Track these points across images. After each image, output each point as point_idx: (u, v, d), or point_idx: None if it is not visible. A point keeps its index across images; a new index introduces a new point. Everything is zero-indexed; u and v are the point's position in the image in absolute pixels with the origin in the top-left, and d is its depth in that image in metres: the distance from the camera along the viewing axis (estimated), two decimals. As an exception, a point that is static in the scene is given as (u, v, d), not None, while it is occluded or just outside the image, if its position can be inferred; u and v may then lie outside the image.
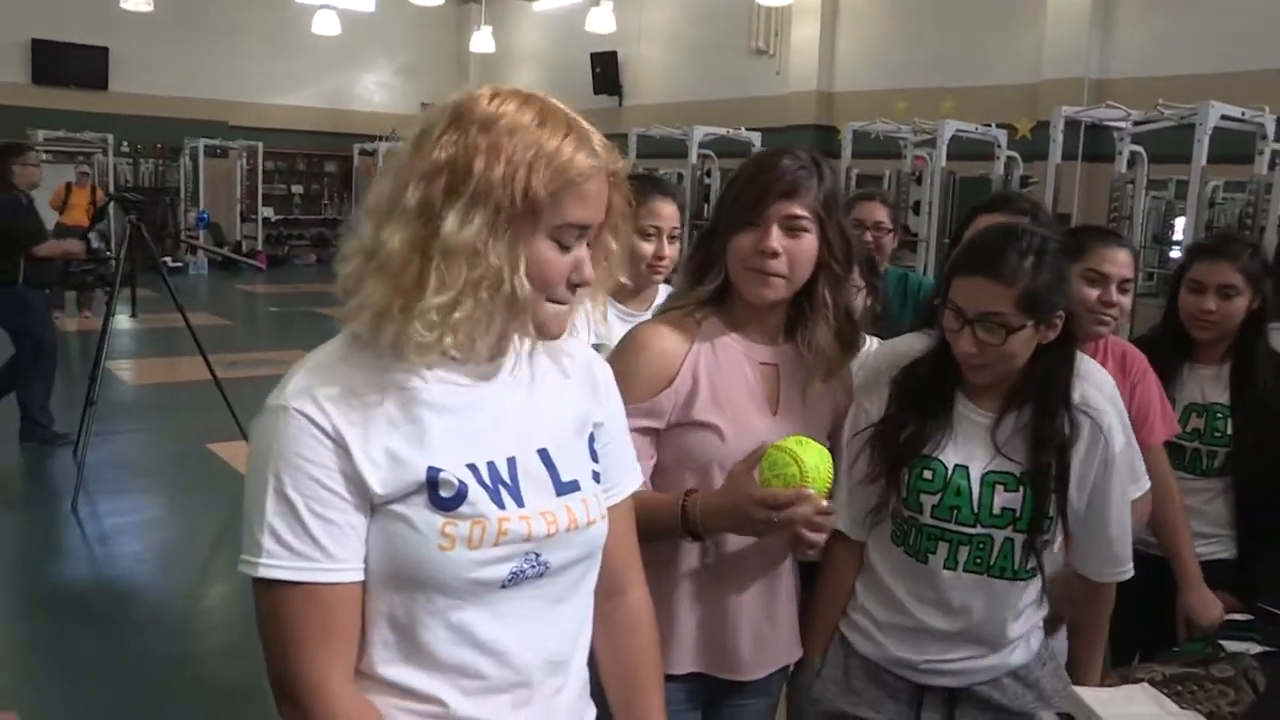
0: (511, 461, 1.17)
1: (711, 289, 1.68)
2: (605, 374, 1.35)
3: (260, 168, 17.17)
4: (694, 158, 11.21)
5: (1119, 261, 2.21)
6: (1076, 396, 1.68)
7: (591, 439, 1.29)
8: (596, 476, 1.27)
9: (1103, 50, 10.70)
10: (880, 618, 1.76)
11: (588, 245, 1.16)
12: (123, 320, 9.79)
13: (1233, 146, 7.20)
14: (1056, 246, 1.64)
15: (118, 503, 5.34)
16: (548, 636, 1.20)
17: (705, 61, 15.03)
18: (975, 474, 1.67)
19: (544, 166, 1.08)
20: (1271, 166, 7.02)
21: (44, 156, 15.32)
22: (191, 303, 12.09)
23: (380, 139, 15.80)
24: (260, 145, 17.07)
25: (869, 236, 3.18)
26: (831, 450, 1.59)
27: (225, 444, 5.97)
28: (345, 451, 1.07)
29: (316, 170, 18.59)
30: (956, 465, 1.68)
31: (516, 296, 1.10)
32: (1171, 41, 9.89)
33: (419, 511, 1.09)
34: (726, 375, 1.65)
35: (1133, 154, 7.91)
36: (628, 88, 16.49)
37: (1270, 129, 6.99)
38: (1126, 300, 2.23)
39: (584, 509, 1.22)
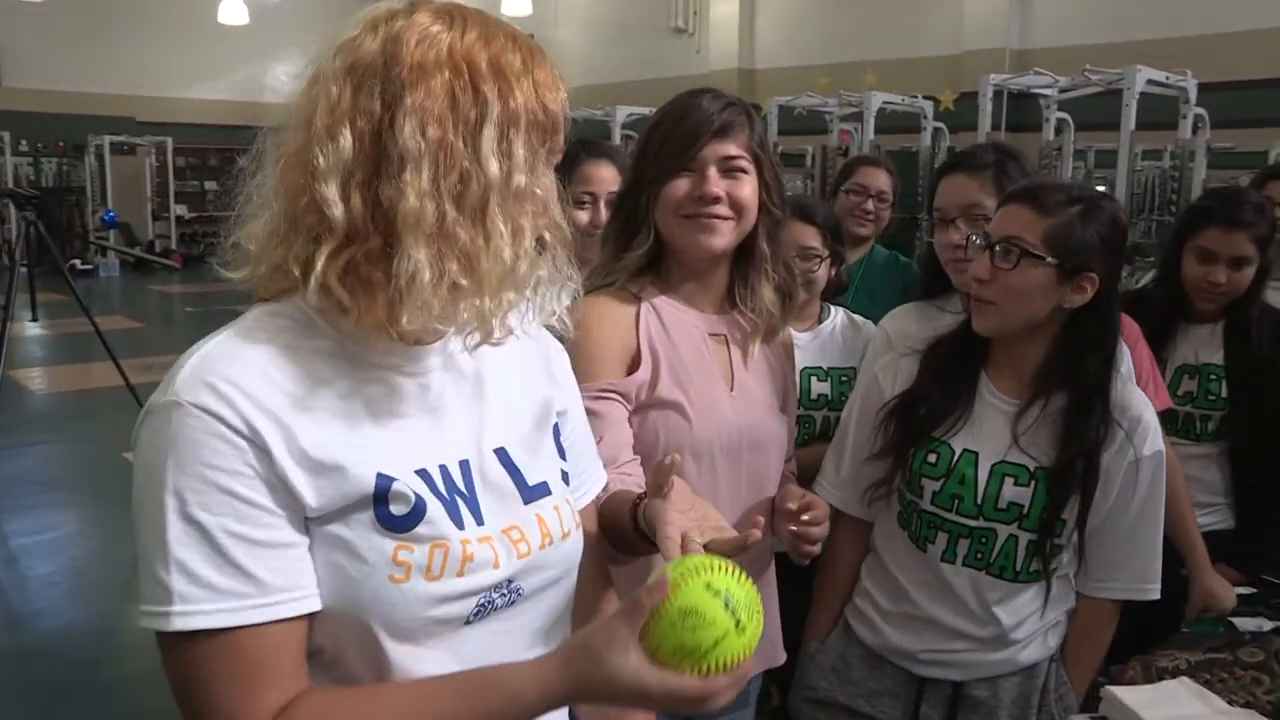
0: (465, 465, 0.94)
1: (642, 253, 1.50)
2: (558, 351, 1.13)
3: (171, 164, 16.57)
4: (617, 139, 11.03)
5: None
6: (1113, 397, 1.54)
7: (556, 431, 1.07)
8: (565, 477, 1.06)
9: (1023, 20, 10.76)
10: (883, 604, 1.65)
11: None
12: (31, 326, 9.36)
13: (1154, 113, 7.22)
14: (1116, 219, 1.53)
15: (26, 521, 4.97)
16: None
17: (624, 42, 14.84)
18: (985, 463, 1.54)
19: (550, 90, 0.93)
20: (1195, 131, 7.06)
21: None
22: (104, 305, 11.79)
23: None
24: (170, 141, 16.47)
25: (869, 205, 2.89)
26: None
27: (142, 453, 5.64)
28: (264, 452, 0.83)
29: (229, 165, 17.76)
30: (965, 450, 1.55)
31: (567, 240, 0.95)
32: (1090, 11, 9.96)
33: (363, 534, 0.87)
34: (680, 348, 1.48)
35: (1059, 121, 7.91)
36: (547, 71, 16.24)
37: (1193, 93, 7.02)
38: None
39: (557, 519, 1.00)
